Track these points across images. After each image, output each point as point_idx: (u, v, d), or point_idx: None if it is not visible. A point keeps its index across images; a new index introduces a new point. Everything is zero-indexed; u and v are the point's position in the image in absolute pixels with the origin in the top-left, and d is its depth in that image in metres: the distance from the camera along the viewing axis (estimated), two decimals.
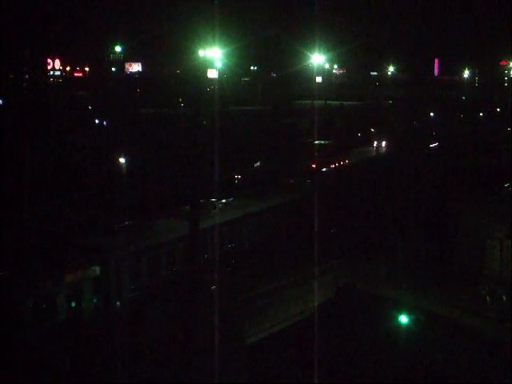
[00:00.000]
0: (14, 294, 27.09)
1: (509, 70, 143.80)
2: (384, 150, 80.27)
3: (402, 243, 42.58)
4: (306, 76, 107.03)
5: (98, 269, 30.14)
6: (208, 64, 61.31)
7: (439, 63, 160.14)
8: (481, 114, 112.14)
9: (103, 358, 27.01)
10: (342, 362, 33.93)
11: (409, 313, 34.36)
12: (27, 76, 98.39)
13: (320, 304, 36.43)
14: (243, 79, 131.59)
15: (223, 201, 41.33)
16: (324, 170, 63.68)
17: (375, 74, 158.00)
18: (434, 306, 36.12)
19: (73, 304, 29.02)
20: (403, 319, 34.12)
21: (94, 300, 29.98)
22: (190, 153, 36.14)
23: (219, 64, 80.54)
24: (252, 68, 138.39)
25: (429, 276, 38.92)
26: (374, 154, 79.90)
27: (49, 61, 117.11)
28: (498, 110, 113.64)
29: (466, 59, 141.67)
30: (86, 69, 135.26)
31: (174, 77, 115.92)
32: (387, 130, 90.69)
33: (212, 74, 76.72)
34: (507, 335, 33.07)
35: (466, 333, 34.09)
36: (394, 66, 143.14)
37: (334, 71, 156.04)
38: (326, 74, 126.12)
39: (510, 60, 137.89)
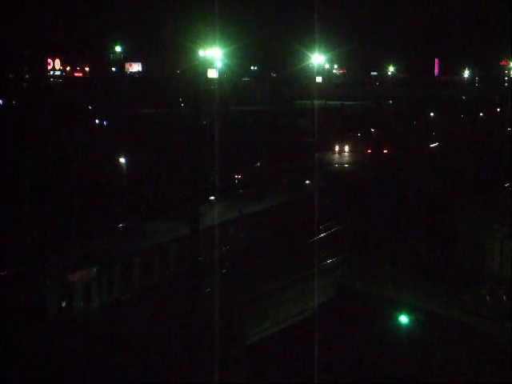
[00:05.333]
0: (13, 293, 27.09)
1: (509, 69, 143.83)
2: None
3: (403, 243, 42.59)
4: (306, 76, 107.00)
5: (97, 269, 30.14)
6: (208, 64, 61.38)
7: (439, 63, 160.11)
8: (481, 114, 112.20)
9: (103, 359, 27.01)
10: (342, 361, 33.92)
11: (409, 313, 34.35)
12: (27, 76, 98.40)
13: (320, 304, 36.41)
14: (243, 79, 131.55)
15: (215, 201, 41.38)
16: (325, 169, 63.90)
17: (375, 73, 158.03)
18: (434, 306, 36.09)
19: (72, 304, 29.01)
20: (403, 319, 34.10)
21: (94, 300, 29.98)
22: (189, 153, 36.15)
23: (219, 64, 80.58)
24: (252, 68, 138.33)
25: (429, 276, 38.90)
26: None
27: (49, 61, 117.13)
28: (498, 110, 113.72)
29: (466, 59, 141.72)
30: (86, 69, 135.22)
31: (174, 77, 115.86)
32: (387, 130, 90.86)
33: (212, 73, 76.79)
34: (507, 335, 33.06)
35: (466, 333, 34.07)
36: (394, 66, 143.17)
37: (334, 71, 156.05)
38: (326, 74, 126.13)
39: (510, 60, 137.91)
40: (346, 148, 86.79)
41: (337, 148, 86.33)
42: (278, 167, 65.41)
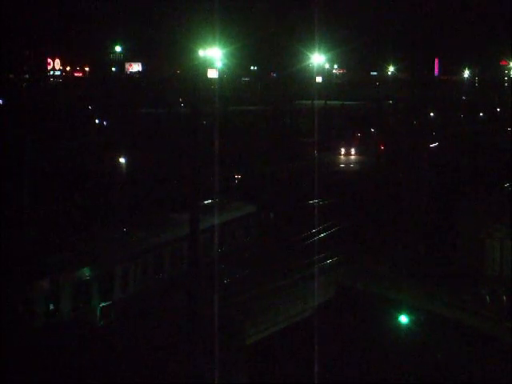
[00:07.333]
0: (9, 295, 27.08)
1: (509, 69, 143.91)
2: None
3: (402, 243, 42.59)
4: (306, 76, 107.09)
5: (96, 269, 30.15)
6: (208, 64, 61.41)
7: (439, 63, 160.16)
8: (481, 114, 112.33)
9: (101, 359, 27.01)
10: (342, 361, 33.92)
11: (409, 313, 34.35)
12: (27, 76, 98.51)
13: (320, 304, 36.41)
14: (243, 79, 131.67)
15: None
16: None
17: (375, 74, 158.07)
18: (434, 305, 36.10)
19: (72, 304, 29.02)
20: (403, 319, 34.10)
21: (93, 300, 29.99)
22: (189, 153, 36.13)
23: (219, 64, 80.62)
24: (252, 68, 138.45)
25: (429, 276, 38.90)
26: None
27: (49, 61, 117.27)
28: (498, 110, 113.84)
29: (466, 59, 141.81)
30: (86, 69, 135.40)
31: (174, 77, 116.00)
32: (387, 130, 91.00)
33: (212, 73, 76.83)
34: (507, 335, 33.07)
35: (466, 333, 34.08)
36: (394, 65, 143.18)
37: (334, 71, 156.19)
38: (326, 74, 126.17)
39: (510, 60, 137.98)
40: (345, 149, 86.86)
41: (336, 148, 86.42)
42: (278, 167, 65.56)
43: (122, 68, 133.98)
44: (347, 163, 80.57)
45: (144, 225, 35.37)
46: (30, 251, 31.92)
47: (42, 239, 36.21)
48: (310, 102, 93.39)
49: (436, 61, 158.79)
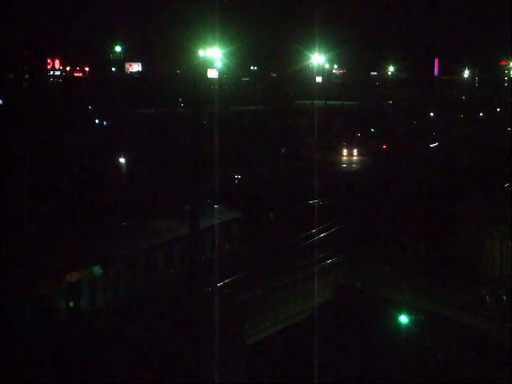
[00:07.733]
0: (13, 294, 27.09)
1: (509, 69, 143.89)
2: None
3: (402, 243, 42.59)
4: (306, 76, 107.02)
5: (97, 269, 30.14)
6: (208, 64, 61.39)
7: (439, 63, 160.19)
8: (481, 114, 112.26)
9: (101, 359, 27.00)
10: (342, 362, 33.95)
11: (409, 313, 34.37)
12: (27, 76, 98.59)
13: (320, 304, 36.43)
14: (243, 79, 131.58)
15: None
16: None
17: (375, 74, 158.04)
18: (434, 305, 36.11)
19: (71, 304, 29.01)
20: (403, 319, 34.12)
21: (93, 300, 29.98)
22: (189, 152, 36.15)
23: (219, 64, 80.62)
24: (252, 68, 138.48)
25: (429, 276, 38.91)
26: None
27: (49, 61, 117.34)
28: (498, 110, 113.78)
29: (466, 59, 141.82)
30: (86, 69, 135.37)
31: (174, 77, 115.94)
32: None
33: (212, 73, 76.84)
34: (507, 335, 33.07)
35: (466, 333, 34.08)
36: (394, 65, 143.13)
37: (334, 71, 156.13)
38: (326, 74, 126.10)
39: (510, 60, 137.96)
40: (345, 149, 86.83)
41: (337, 148, 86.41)
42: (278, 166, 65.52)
43: (121, 68, 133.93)
44: (348, 163, 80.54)
45: (123, 231, 35.30)
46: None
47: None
48: (309, 101, 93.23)
49: (436, 61, 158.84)
